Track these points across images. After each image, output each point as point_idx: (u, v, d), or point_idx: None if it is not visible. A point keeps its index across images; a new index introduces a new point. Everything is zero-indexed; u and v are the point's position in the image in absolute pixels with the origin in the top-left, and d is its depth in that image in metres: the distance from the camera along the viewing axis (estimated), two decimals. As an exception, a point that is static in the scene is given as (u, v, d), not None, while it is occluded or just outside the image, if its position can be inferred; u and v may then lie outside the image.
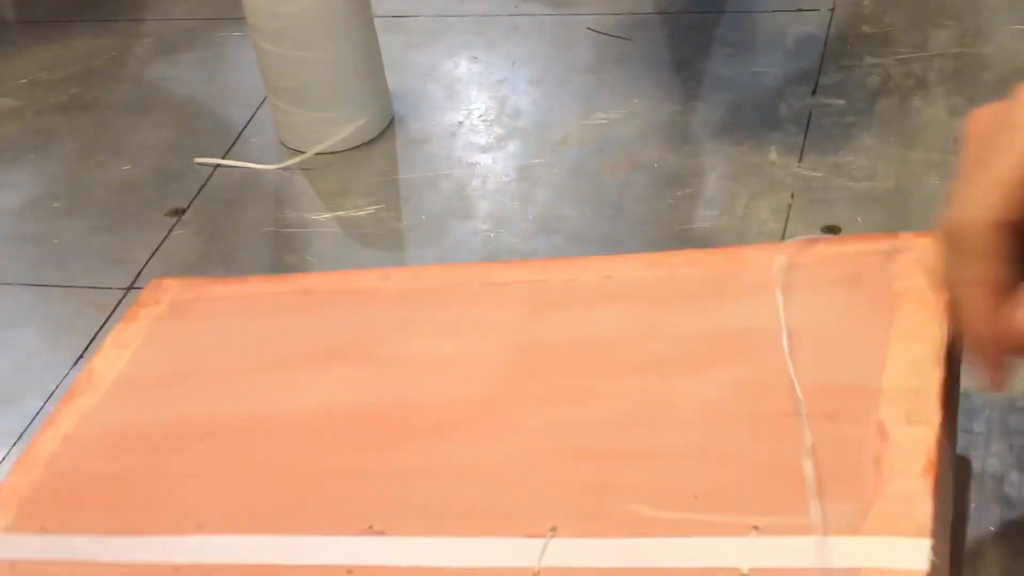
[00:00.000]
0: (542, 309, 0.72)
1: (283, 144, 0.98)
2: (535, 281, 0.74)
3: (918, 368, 0.62)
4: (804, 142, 0.91)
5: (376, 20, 0.96)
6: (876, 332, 0.64)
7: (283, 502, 0.65)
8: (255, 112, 1.03)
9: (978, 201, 0.57)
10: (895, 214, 0.83)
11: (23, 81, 1.11)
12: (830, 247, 0.70)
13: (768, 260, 0.70)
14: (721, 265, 0.71)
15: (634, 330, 0.69)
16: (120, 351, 0.77)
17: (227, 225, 0.92)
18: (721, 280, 0.71)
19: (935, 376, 0.61)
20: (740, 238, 0.83)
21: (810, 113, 0.93)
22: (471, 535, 0.60)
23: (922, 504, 0.56)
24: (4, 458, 0.77)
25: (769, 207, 0.86)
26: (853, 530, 0.55)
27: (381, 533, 0.62)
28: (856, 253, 0.69)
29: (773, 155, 0.90)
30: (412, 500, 0.63)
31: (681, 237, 0.84)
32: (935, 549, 0.54)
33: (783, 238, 0.83)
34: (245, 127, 1.02)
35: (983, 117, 0.59)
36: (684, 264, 0.72)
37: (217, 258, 0.89)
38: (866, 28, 1.01)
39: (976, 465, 0.66)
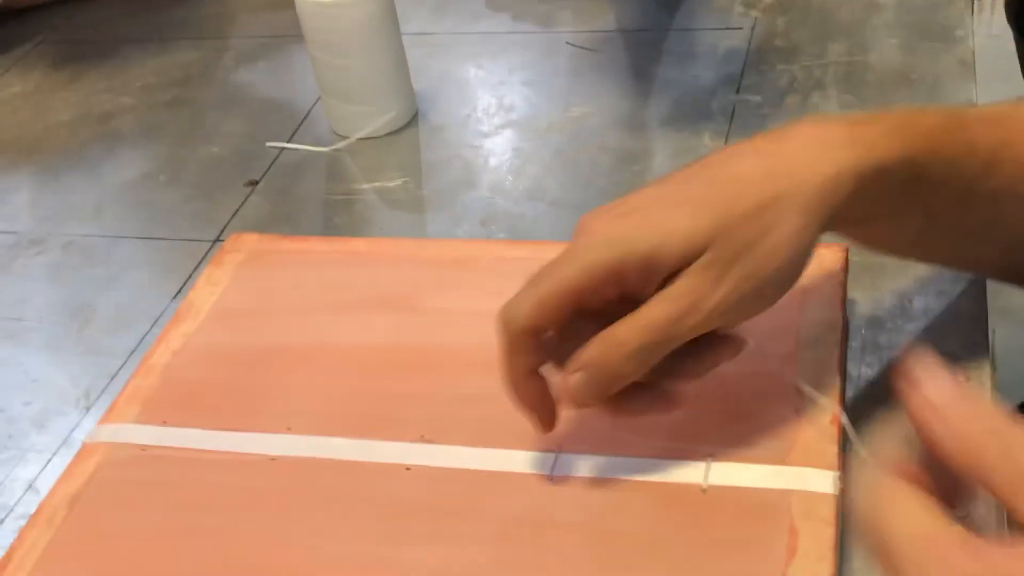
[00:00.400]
0: (542, 278, 0.75)
1: (333, 131, 0.98)
2: (533, 258, 0.75)
3: (822, 346, 0.65)
4: (729, 129, 0.91)
5: (404, 36, 0.96)
6: (789, 315, 0.67)
7: (353, 413, 0.67)
8: (312, 107, 1.03)
9: (518, 306, 0.58)
10: None
11: (137, 84, 1.11)
12: None
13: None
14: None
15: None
16: (212, 288, 0.79)
17: (290, 193, 0.93)
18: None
19: (835, 352, 0.65)
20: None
21: (734, 107, 0.94)
22: (498, 447, 0.64)
23: (830, 446, 0.60)
24: (122, 367, 0.78)
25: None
26: (781, 462, 0.60)
27: (431, 441, 0.65)
28: None
29: (706, 139, 0.91)
30: (453, 418, 0.66)
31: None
32: (840, 479, 0.59)
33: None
34: (305, 118, 1.02)
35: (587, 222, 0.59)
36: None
37: (282, 219, 0.90)
38: (778, 42, 1.01)
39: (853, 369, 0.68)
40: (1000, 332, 0.69)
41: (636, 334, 0.56)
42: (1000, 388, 0.66)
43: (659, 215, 0.57)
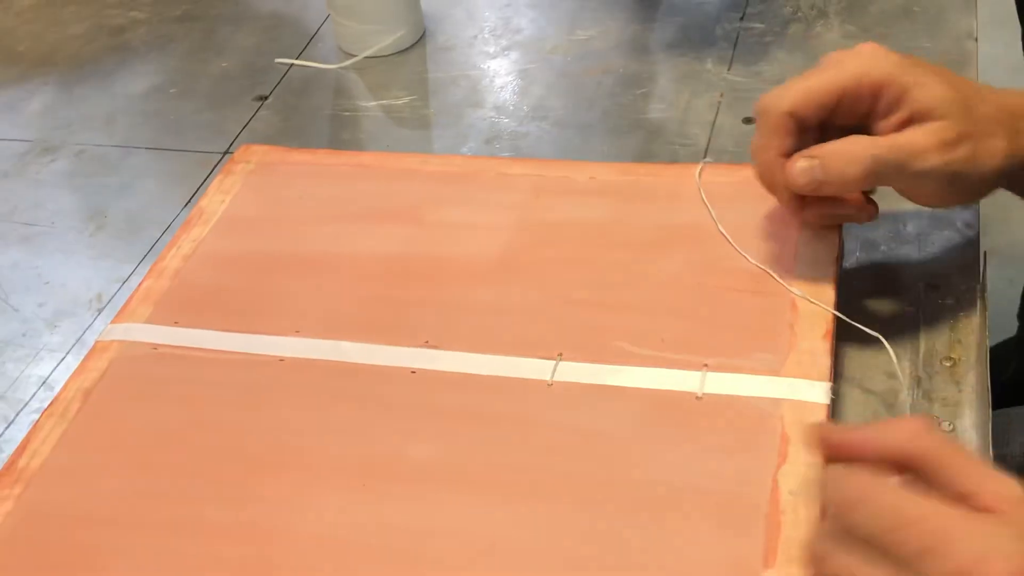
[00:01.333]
0: (542, 196, 0.75)
1: (341, 49, 0.98)
2: (536, 175, 0.77)
3: (818, 264, 0.67)
4: (733, 55, 0.91)
5: (413, -46, 0.95)
6: (788, 234, 0.68)
7: (359, 318, 0.69)
8: (321, 25, 1.02)
9: (781, 95, 0.63)
10: None
11: None
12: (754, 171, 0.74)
13: (711, 177, 0.74)
14: (676, 177, 0.75)
15: (613, 218, 0.72)
16: (223, 196, 0.79)
17: (298, 109, 0.93)
18: (675, 188, 0.74)
19: (831, 271, 0.66)
20: (681, 125, 0.84)
21: (738, 34, 0.94)
22: (500, 353, 0.65)
23: (822, 358, 0.61)
24: (133, 271, 0.79)
25: (704, 103, 0.87)
26: (775, 372, 0.61)
27: (435, 347, 0.66)
28: None
29: (709, 64, 0.91)
30: (456, 325, 0.67)
31: (637, 124, 0.85)
32: (833, 390, 0.60)
33: (713, 127, 0.84)
34: (314, 36, 1.01)
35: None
36: (649, 174, 0.76)
37: (291, 133, 0.90)
38: (783, -29, 1.00)
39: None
40: (992, 261, 0.70)
41: (878, 146, 0.61)
42: (990, 314, 0.67)
43: (922, 68, 0.63)
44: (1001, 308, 0.66)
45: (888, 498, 0.43)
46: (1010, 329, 1.18)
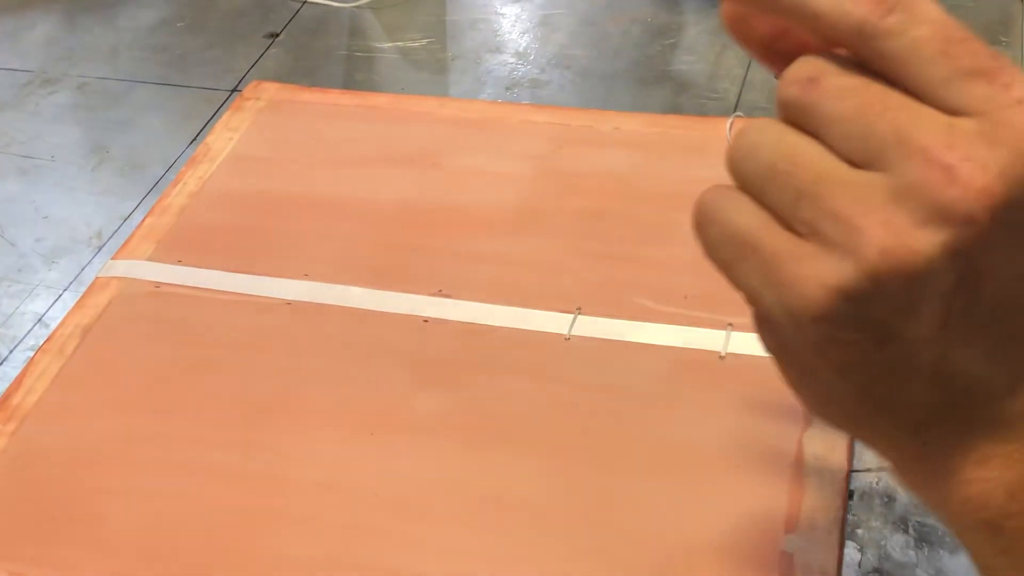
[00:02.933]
0: (565, 145, 0.75)
1: None
2: (560, 124, 0.77)
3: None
4: None
5: None
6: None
7: (371, 263, 0.69)
8: None
9: None
10: None
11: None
12: None
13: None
14: (705, 130, 0.75)
15: (638, 170, 0.72)
16: (231, 133, 0.80)
17: (310, 48, 0.92)
18: (703, 141, 0.74)
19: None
20: (710, 79, 0.84)
21: None
22: (516, 305, 0.65)
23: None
24: (135, 209, 0.79)
25: (735, 56, 0.86)
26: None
27: (448, 296, 0.66)
28: None
29: None
30: (471, 274, 0.67)
31: (664, 76, 0.85)
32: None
33: (744, 82, 0.83)
34: None
35: None
36: (677, 126, 0.76)
37: (301, 72, 0.89)
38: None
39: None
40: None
41: None
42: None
43: None
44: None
45: (853, 80, 0.34)
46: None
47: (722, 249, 0.36)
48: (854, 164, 0.33)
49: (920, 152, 0.32)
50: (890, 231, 0.31)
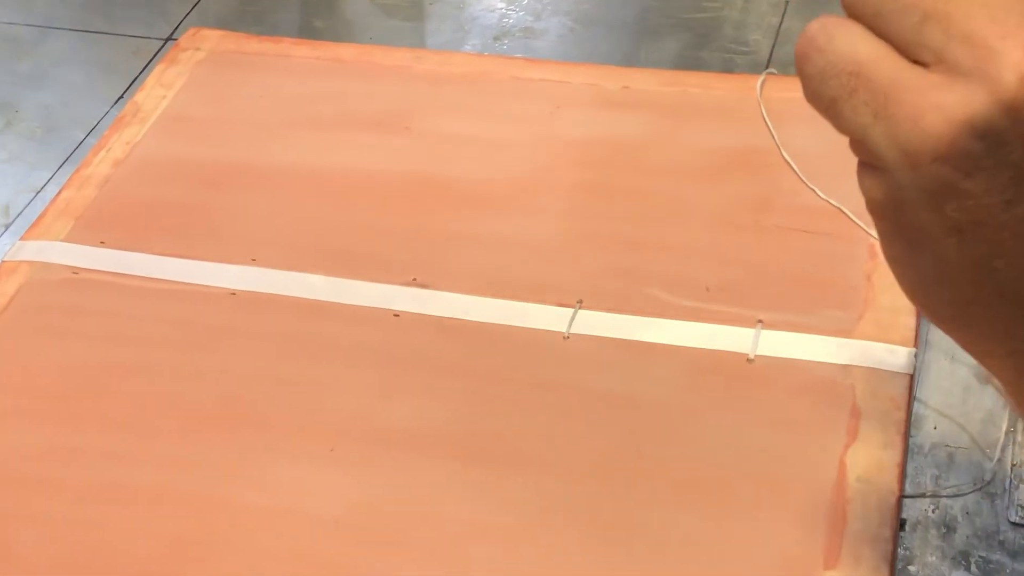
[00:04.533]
0: (565, 107, 0.75)
1: None
2: (559, 81, 0.77)
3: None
4: None
5: None
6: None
7: (332, 247, 0.69)
8: None
9: None
10: None
11: None
12: None
13: (775, 92, 0.74)
14: (731, 90, 0.75)
15: (650, 137, 0.73)
16: (164, 90, 0.79)
17: (261, -11, 0.93)
18: (730, 103, 0.74)
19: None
20: (738, 28, 0.85)
21: None
22: (506, 298, 0.65)
23: (907, 319, 0.62)
24: (50, 180, 0.79)
25: (768, 3, 0.86)
26: (846, 333, 0.61)
27: (424, 286, 0.66)
28: None
29: None
30: (452, 261, 0.67)
31: (684, 25, 0.85)
32: (916, 357, 0.60)
33: (779, 33, 0.84)
34: None
35: None
36: (697, 84, 0.76)
37: (250, 19, 0.90)
38: None
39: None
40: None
41: None
42: None
43: None
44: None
45: None
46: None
47: (829, 83, 0.36)
48: None
49: None
50: None
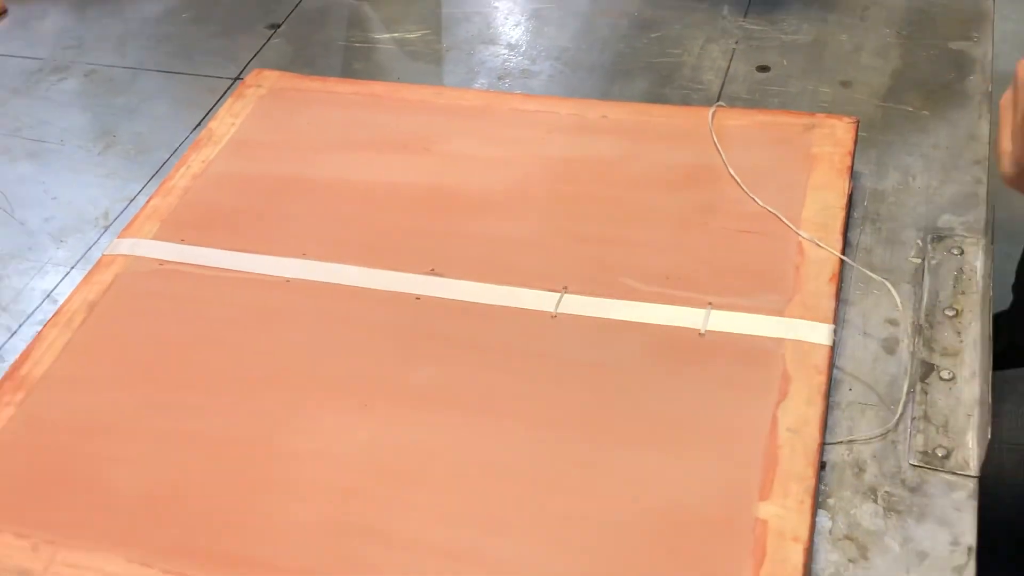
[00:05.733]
0: (554, 132, 0.75)
1: None
2: (549, 112, 0.77)
3: (827, 210, 0.66)
4: (749, 3, 0.91)
5: None
6: (799, 181, 0.68)
7: (366, 243, 0.69)
8: None
9: None
10: (811, 60, 0.84)
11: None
12: (767, 116, 0.73)
13: (723, 120, 0.73)
14: (688, 119, 0.74)
15: (622, 156, 0.72)
16: (232, 119, 0.79)
17: (311, 39, 0.92)
18: (687, 129, 0.73)
19: (839, 217, 0.66)
20: (694, 70, 0.84)
21: None
22: (506, 284, 0.65)
23: (827, 301, 0.62)
24: (141, 191, 0.79)
25: (719, 49, 0.86)
26: (779, 313, 0.61)
27: (440, 275, 0.66)
28: (786, 124, 0.73)
29: (725, 11, 0.90)
30: (462, 254, 0.67)
31: (650, 68, 0.85)
32: (835, 332, 0.60)
33: (727, 74, 0.83)
34: None
35: None
36: (660, 114, 0.75)
37: (302, 62, 0.89)
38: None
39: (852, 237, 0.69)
40: (1001, 211, 0.70)
41: None
42: (997, 267, 0.67)
43: None
44: (996, 280, 0.66)
45: None
46: (1005, 302, 1.18)
47: None
48: None
49: None
50: None
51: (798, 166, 0.69)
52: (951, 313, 0.64)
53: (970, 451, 0.57)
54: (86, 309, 0.66)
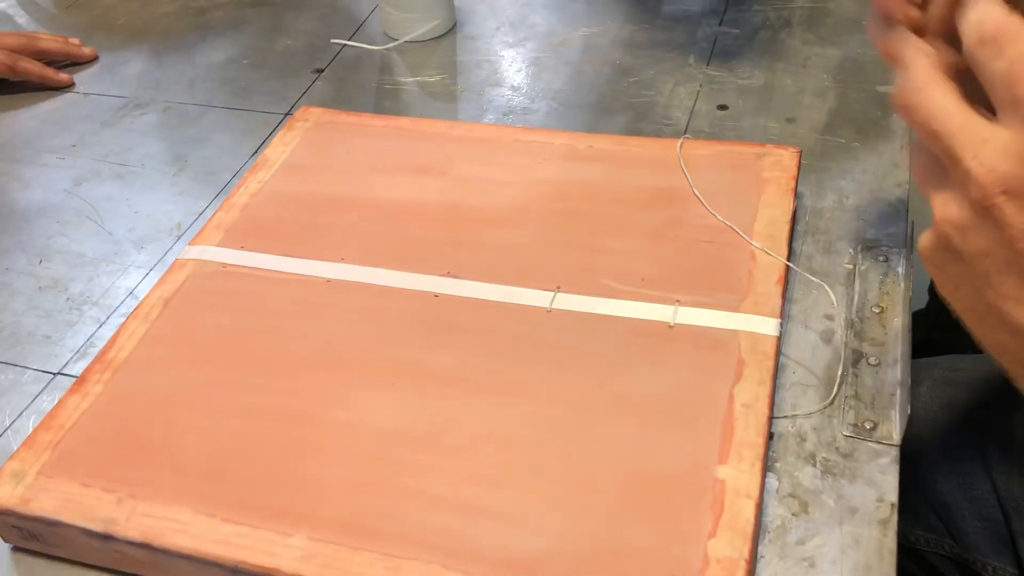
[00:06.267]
0: (549, 160, 0.75)
1: (386, 34, 0.97)
2: (545, 142, 0.76)
3: (775, 224, 0.66)
4: (711, 53, 0.91)
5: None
6: (751, 200, 0.68)
7: (393, 250, 0.68)
8: (370, 13, 1.02)
9: None
10: (762, 101, 0.83)
11: (222, -18, 1.09)
12: (725, 147, 0.73)
13: (690, 150, 0.73)
14: (660, 148, 0.74)
15: (606, 180, 0.72)
16: (284, 147, 0.79)
17: (348, 81, 0.92)
18: (659, 157, 0.73)
19: (785, 230, 0.66)
20: (665, 108, 0.84)
21: (716, 37, 0.93)
22: (509, 284, 0.65)
23: (774, 299, 0.61)
24: (208, 206, 0.79)
25: (686, 91, 0.86)
26: (735, 309, 0.61)
27: (455, 276, 0.66)
28: (741, 153, 0.72)
29: (692, 60, 0.90)
30: (473, 259, 0.67)
31: (629, 106, 0.85)
32: (781, 325, 0.60)
33: (692, 111, 0.83)
34: (364, 21, 1.01)
35: None
36: (638, 145, 0.75)
37: (341, 100, 0.89)
38: (755, -13, 0.99)
39: (796, 246, 0.69)
40: (919, 226, 0.70)
41: None
42: (916, 272, 0.67)
43: None
44: (915, 283, 0.65)
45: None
46: (922, 301, 1.18)
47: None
48: None
49: None
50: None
51: (751, 188, 0.69)
52: (877, 310, 0.64)
53: (893, 424, 0.57)
54: (162, 304, 0.66)
